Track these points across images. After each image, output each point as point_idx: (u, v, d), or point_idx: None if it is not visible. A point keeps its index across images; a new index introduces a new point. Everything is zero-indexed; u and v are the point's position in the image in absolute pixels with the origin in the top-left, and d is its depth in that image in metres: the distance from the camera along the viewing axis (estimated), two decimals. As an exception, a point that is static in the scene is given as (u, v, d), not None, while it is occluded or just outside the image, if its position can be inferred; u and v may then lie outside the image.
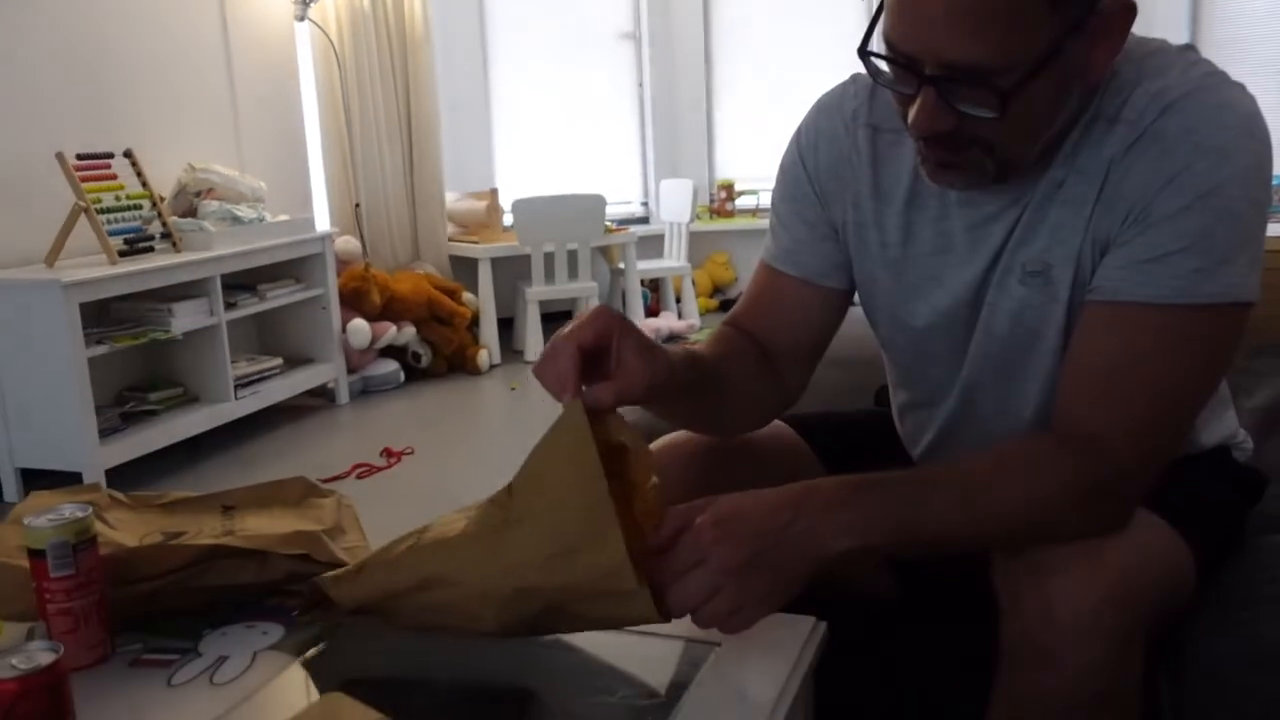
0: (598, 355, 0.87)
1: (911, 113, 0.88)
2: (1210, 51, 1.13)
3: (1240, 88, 0.91)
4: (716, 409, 1.09)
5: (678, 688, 0.82)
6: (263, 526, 1.05)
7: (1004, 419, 1.07)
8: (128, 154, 3.40)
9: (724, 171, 6.34)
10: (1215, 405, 1.15)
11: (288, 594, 1.02)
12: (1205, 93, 0.89)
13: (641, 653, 0.89)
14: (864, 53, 0.90)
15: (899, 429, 1.25)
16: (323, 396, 4.28)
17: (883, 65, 0.90)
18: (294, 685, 0.86)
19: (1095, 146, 0.93)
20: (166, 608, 0.98)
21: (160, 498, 1.12)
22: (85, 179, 3.21)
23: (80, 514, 0.88)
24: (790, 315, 1.15)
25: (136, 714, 0.82)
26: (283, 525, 1.05)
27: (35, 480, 3.04)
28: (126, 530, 1.04)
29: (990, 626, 0.94)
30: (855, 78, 1.12)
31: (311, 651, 0.91)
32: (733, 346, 1.12)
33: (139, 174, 3.42)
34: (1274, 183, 0.95)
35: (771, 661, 0.85)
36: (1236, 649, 0.91)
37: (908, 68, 0.87)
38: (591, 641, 0.88)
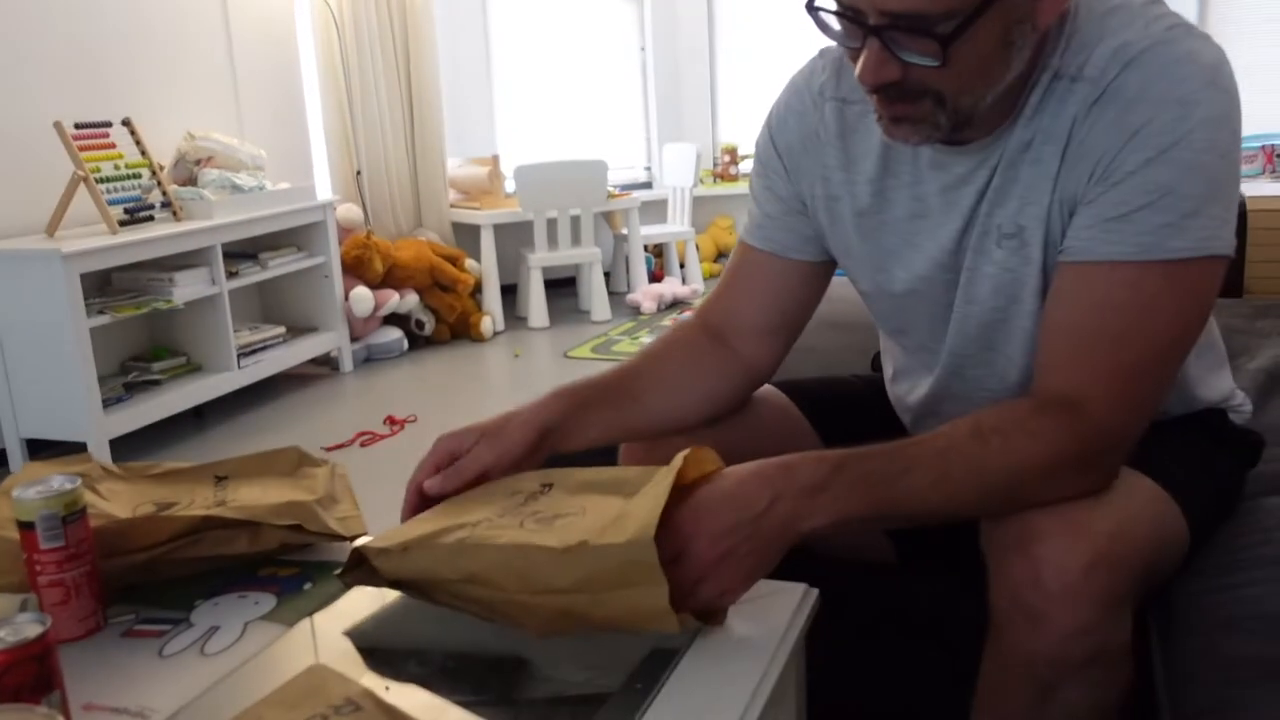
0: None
1: (858, 65, 0.88)
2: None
3: (1205, 38, 0.90)
4: (657, 412, 1.13)
5: (671, 654, 0.82)
6: (255, 497, 1.05)
7: (991, 384, 1.07)
8: (126, 122, 3.38)
9: (727, 135, 6.30)
10: (1212, 364, 1.14)
11: (281, 564, 1.02)
12: (1166, 45, 0.88)
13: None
14: (811, 7, 0.90)
15: (890, 396, 1.25)
16: (326, 365, 4.28)
17: (832, 21, 0.90)
18: (284, 655, 0.86)
19: (1059, 105, 0.93)
20: (160, 578, 0.99)
21: (152, 468, 1.12)
22: (84, 148, 3.19)
23: (69, 486, 0.88)
24: (760, 289, 1.17)
25: (127, 685, 0.82)
26: (275, 495, 1.05)
27: (40, 450, 3.05)
28: (119, 501, 1.04)
29: (982, 589, 0.94)
30: (823, 52, 1.13)
31: (303, 622, 0.91)
32: (669, 349, 1.17)
33: (138, 143, 3.40)
34: (1242, 134, 0.93)
35: (763, 628, 0.85)
36: (1226, 611, 0.91)
37: (853, 20, 0.86)
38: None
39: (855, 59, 0.90)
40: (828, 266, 1.17)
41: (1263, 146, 3.84)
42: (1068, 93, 0.92)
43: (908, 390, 1.20)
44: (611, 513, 0.85)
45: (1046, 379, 0.93)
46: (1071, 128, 0.92)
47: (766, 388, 1.24)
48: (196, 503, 1.04)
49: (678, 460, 0.85)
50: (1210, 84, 0.87)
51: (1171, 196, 0.87)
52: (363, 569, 0.90)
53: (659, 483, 0.82)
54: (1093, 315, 0.91)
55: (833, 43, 0.96)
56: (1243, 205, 2.08)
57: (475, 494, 0.98)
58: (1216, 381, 1.15)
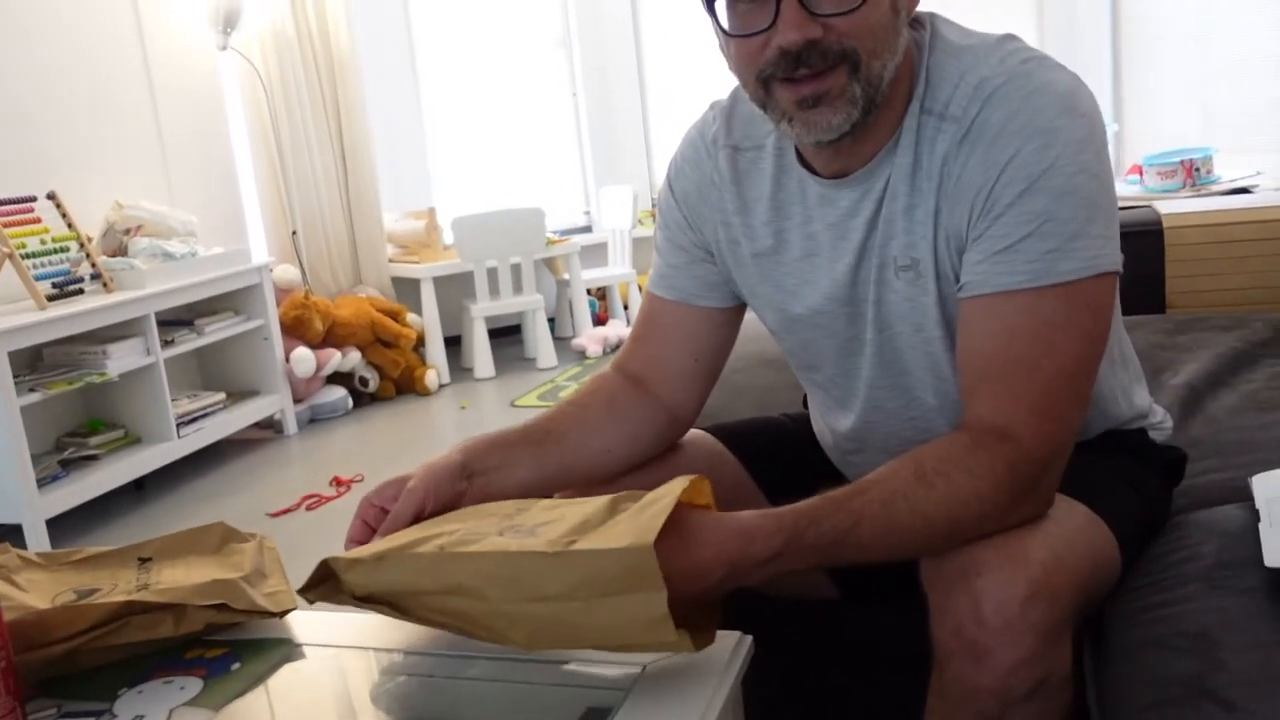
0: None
1: (776, 35, 0.90)
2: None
3: (1059, 67, 0.95)
4: (581, 452, 1.13)
5: (606, 711, 0.81)
6: (180, 577, 1.03)
7: (910, 414, 1.09)
8: (51, 196, 3.34)
9: (663, 176, 6.33)
10: (1127, 381, 1.17)
11: (208, 644, 1.00)
12: (1022, 79, 0.93)
13: (570, 671, 0.88)
14: (709, 2, 0.93)
15: (815, 432, 1.26)
16: (270, 428, 4.22)
17: (723, 20, 0.94)
18: (209, 742, 0.84)
19: (929, 143, 0.97)
20: (83, 668, 0.96)
21: (74, 554, 1.09)
22: (8, 224, 3.15)
23: (-21, 581, 0.85)
24: (673, 338, 1.19)
25: (46, 784, 0.79)
26: (201, 574, 1.03)
27: (-26, 535, 2.97)
28: (38, 591, 1.01)
29: (923, 624, 0.94)
30: (714, 104, 1.16)
31: (230, 704, 0.89)
32: (588, 396, 1.17)
33: (64, 215, 3.36)
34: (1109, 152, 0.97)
35: (698, 679, 0.84)
36: (1155, 630, 0.92)
37: None
38: (515, 670, 0.87)
39: (759, 50, 0.93)
40: (737, 310, 1.19)
41: (1182, 161, 3.93)
42: (937, 131, 0.96)
43: (829, 427, 1.21)
44: (596, 516, 0.83)
45: (973, 412, 0.94)
46: (943, 166, 0.96)
47: (697, 432, 1.24)
48: (119, 588, 1.01)
49: (679, 481, 0.84)
50: (1068, 110, 0.91)
51: (1052, 222, 0.90)
52: (327, 585, 0.87)
53: (659, 499, 0.81)
54: (1001, 344, 0.93)
55: (721, 97, 1.01)
56: (1159, 222, 2.14)
57: (448, 515, 0.96)
58: (1134, 398, 1.17)
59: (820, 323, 1.10)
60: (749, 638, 0.91)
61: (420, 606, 0.84)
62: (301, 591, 0.89)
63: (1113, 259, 0.93)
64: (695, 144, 1.16)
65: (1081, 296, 0.92)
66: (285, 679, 0.93)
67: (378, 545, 0.86)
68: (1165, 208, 2.24)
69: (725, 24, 0.95)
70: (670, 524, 0.78)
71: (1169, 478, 1.19)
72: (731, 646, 0.89)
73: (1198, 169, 3.89)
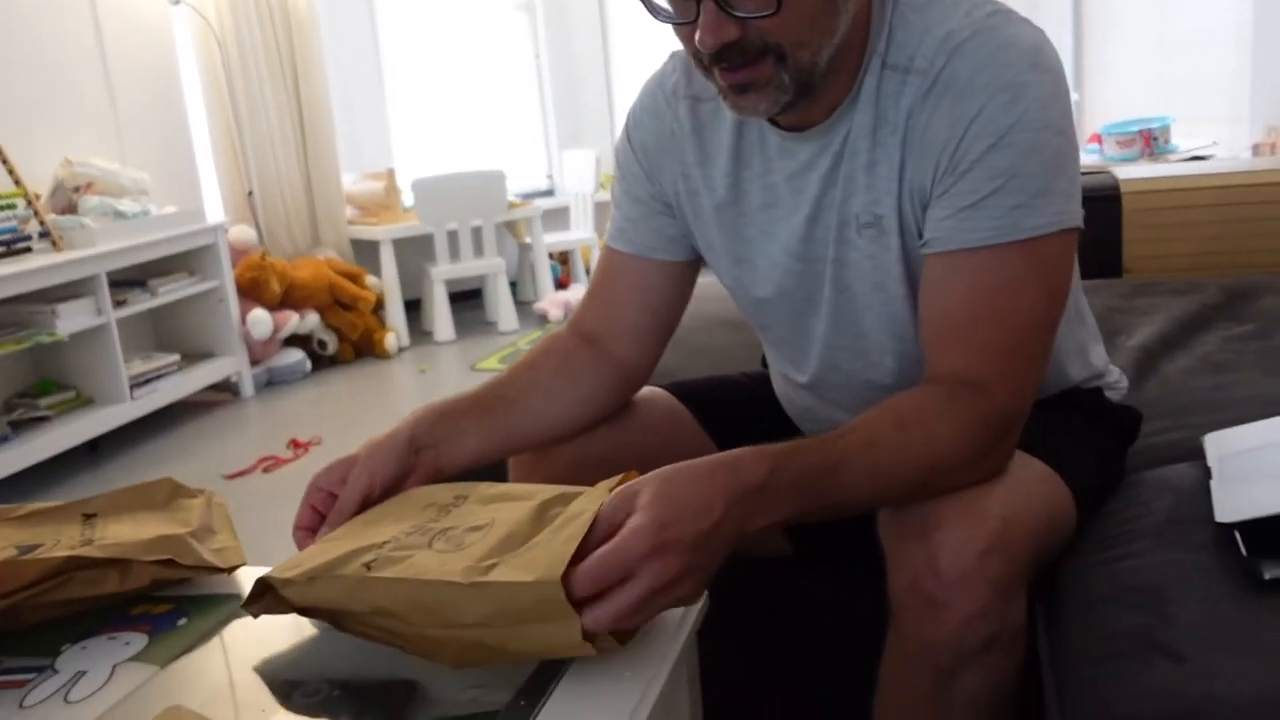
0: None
1: (696, 35, 0.89)
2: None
3: (1025, 22, 0.94)
4: (534, 417, 1.11)
5: (559, 665, 0.80)
6: (125, 533, 1.00)
7: (868, 374, 1.09)
8: (-4, 151, 3.25)
9: (627, 140, 6.30)
10: (1084, 339, 1.17)
11: (154, 600, 0.98)
12: (988, 33, 0.92)
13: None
14: None
15: (776, 391, 1.26)
16: (227, 391, 4.17)
17: (661, 1, 0.93)
18: (153, 697, 0.82)
19: (893, 97, 0.96)
20: (25, 624, 0.94)
21: (16, 510, 1.06)
22: (-49, 179, 3.06)
23: (-86, 534, 0.83)
24: (629, 292, 1.17)
25: (-16, 740, 0.78)
26: (147, 530, 1.01)
27: (-80, 497, 2.91)
28: (-23, 547, 0.98)
29: (880, 583, 0.94)
30: (674, 54, 1.14)
31: (175, 660, 0.87)
32: (540, 358, 1.16)
33: (10, 171, 3.28)
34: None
35: (652, 633, 0.84)
36: (1107, 586, 0.93)
37: None
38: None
39: (689, 36, 0.91)
40: (693, 265, 1.18)
41: (1140, 131, 3.96)
42: (901, 84, 0.95)
43: (785, 384, 1.21)
44: (521, 529, 0.83)
45: (944, 366, 0.94)
46: (908, 119, 0.95)
47: (652, 389, 1.23)
48: (62, 543, 0.99)
49: (600, 490, 0.83)
50: (1034, 66, 0.91)
51: (1018, 178, 0.90)
52: (268, 598, 0.87)
53: (577, 516, 0.80)
54: (967, 301, 0.93)
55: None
56: (1117, 188, 2.15)
57: (387, 507, 0.95)
58: (1090, 357, 1.18)
59: (775, 278, 1.09)
60: (704, 592, 0.90)
61: (355, 623, 0.84)
62: (245, 607, 0.88)
63: (1075, 216, 0.93)
64: (654, 94, 1.15)
65: (1045, 252, 0.92)
66: (233, 635, 0.92)
67: (311, 560, 0.86)
68: (1123, 173, 2.25)
69: (657, 2, 0.94)
70: (653, 476, 0.80)
71: (1124, 437, 1.20)
72: (687, 601, 0.88)
73: (1155, 138, 3.92)
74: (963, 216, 0.92)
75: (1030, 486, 0.95)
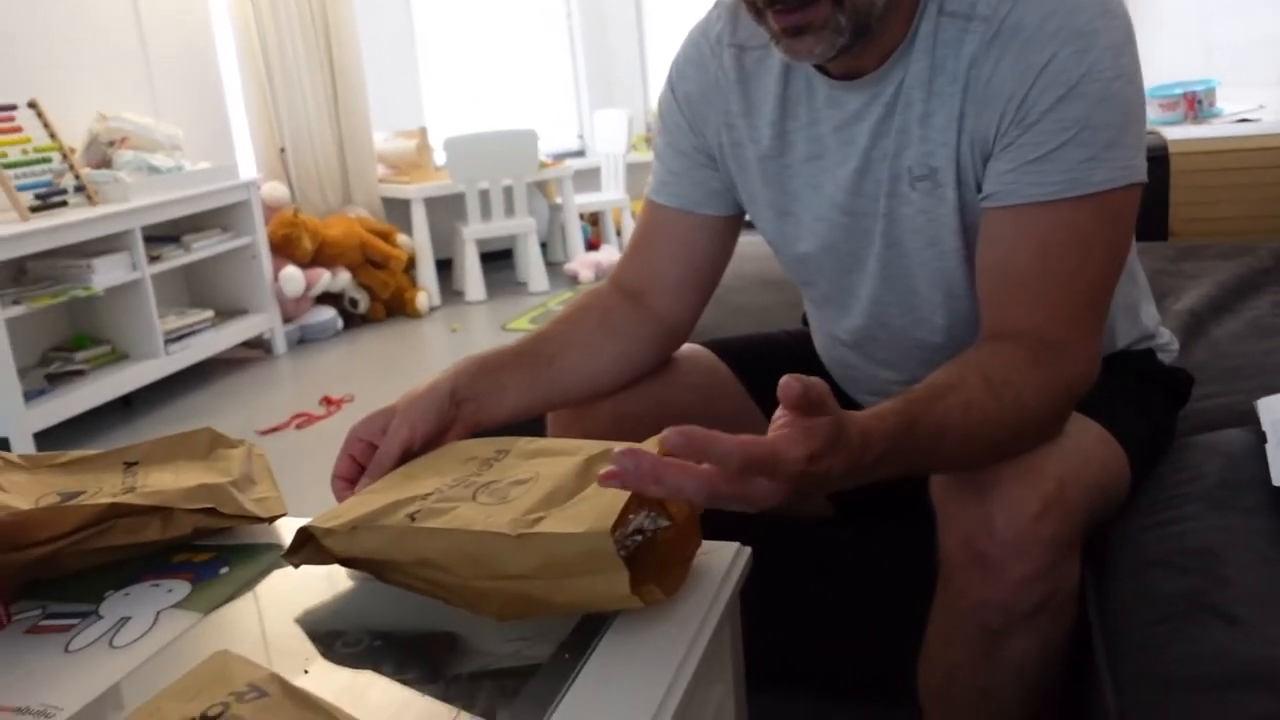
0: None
1: None
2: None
3: None
4: (574, 374, 1.09)
5: (602, 621, 0.79)
6: (166, 481, 1.01)
7: (916, 334, 1.07)
8: (32, 104, 3.26)
9: (658, 101, 6.24)
10: (1137, 298, 1.15)
11: (196, 549, 0.98)
12: None
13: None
14: None
15: (818, 349, 1.24)
16: (259, 348, 4.20)
17: None
18: (197, 644, 0.82)
19: (952, 45, 0.92)
20: (68, 571, 0.94)
21: (58, 457, 1.07)
22: (-12, 133, 3.08)
23: (-41, 479, 0.83)
24: (671, 247, 1.15)
25: (31, 683, 0.78)
26: (187, 479, 1.01)
27: (-40, 448, 2.95)
28: (20, 493, 0.99)
29: (923, 543, 0.93)
30: (718, 2, 1.11)
31: (218, 608, 0.88)
32: (580, 313, 1.13)
33: (46, 125, 3.29)
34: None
35: (696, 590, 0.83)
36: (1159, 549, 0.91)
37: None
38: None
39: None
40: (736, 220, 1.16)
41: (1184, 93, 3.88)
42: (961, 31, 0.91)
43: (827, 342, 1.19)
44: (567, 483, 0.82)
45: (1016, 322, 0.91)
46: (970, 68, 0.91)
47: (692, 346, 1.22)
48: (104, 490, 0.99)
49: (647, 446, 0.82)
50: (1105, 12, 0.87)
51: (1089, 130, 0.86)
52: (310, 548, 0.86)
53: None
54: (1036, 257, 0.90)
55: None
56: (1165, 149, 2.10)
57: (428, 460, 0.95)
58: (1142, 316, 1.15)
59: (821, 232, 1.07)
60: (748, 549, 0.89)
61: (397, 574, 0.84)
62: (286, 556, 0.88)
63: (1142, 170, 0.90)
64: (699, 43, 1.12)
65: (1112, 207, 0.89)
66: (274, 585, 0.92)
67: (353, 511, 0.85)
68: (1172, 134, 2.20)
69: None
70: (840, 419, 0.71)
71: (1175, 400, 1.18)
72: (730, 557, 0.88)
73: (1200, 101, 3.84)
74: (1028, 169, 0.89)
75: (1087, 448, 0.93)
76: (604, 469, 0.83)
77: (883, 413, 0.78)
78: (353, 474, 0.97)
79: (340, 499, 0.95)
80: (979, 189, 0.94)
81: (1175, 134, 2.23)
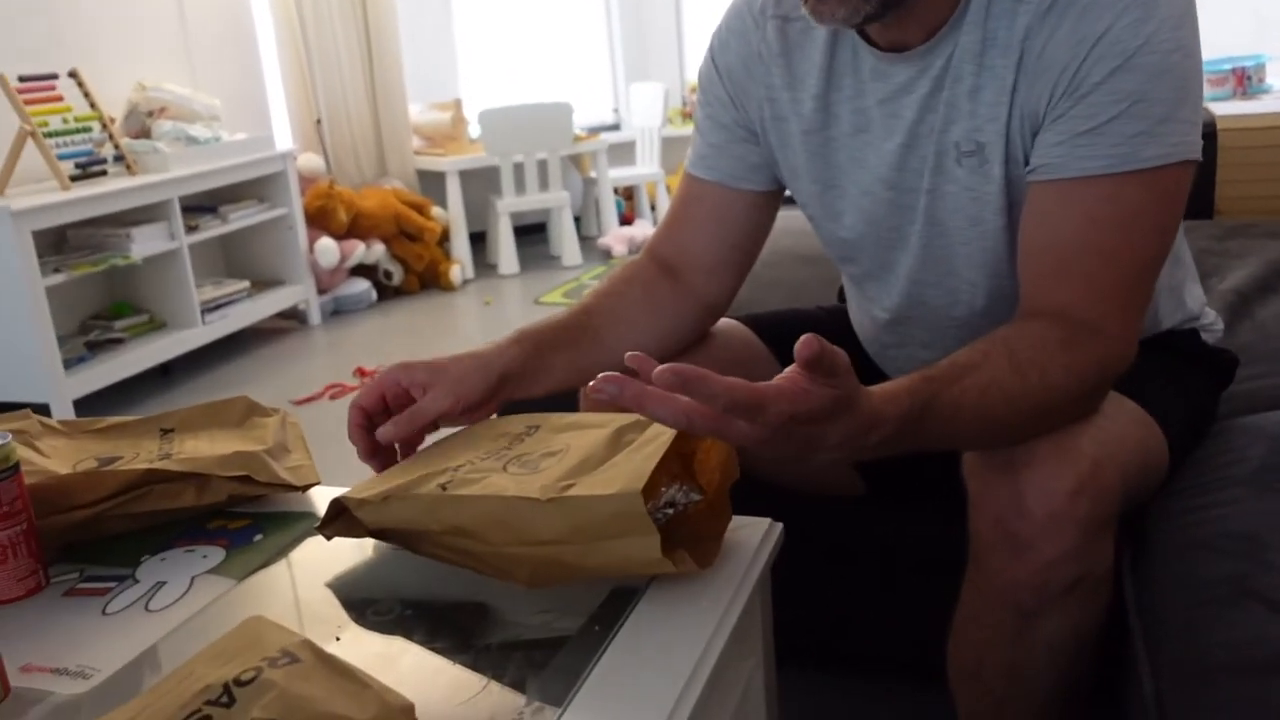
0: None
1: None
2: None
3: None
4: (617, 351, 1.02)
5: (632, 593, 0.79)
6: (202, 449, 1.01)
7: (955, 311, 1.05)
8: (73, 74, 3.28)
9: (695, 74, 6.19)
10: (1182, 279, 1.12)
11: (230, 516, 0.99)
12: None
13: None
14: None
15: (855, 327, 1.22)
16: (294, 318, 4.22)
17: None
18: (231, 609, 0.83)
19: (1006, 17, 0.90)
20: (104, 535, 0.95)
21: (96, 423, 1.08)
22: (29, 101, 3.10)
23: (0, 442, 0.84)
24: (709, 222, 1.14)
25: (68, 644, 0.79)
26: (223, 446, 1.02)
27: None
28: (59, 457, 1.00)
29: (955, 522, 0.92)
30: None
31: (252, 575, 0.88)
32: (623, 286, 1.12)
33: (86, 95, 3.31)
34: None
35: (727, 564, 0.83)
36: (1197, 531, 0.89)
37: None
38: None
39: None
40: (775, 195, 1.14)
41: (1233, 69, 3.80)
42: (1016, 4, 0.89)
43: (865, 320, 1.18)
44: (597, 453, 0.82)
45: (1052, 299, 0.89)
46: (1024, 39, 0.89)
47: (727, 320, 1.21)
48: (141, 456, 1.00)
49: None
50: None
51: (1143, 103, 0.83)
52: (342, 520, 0.87)
53: (656, 438, 0.79)
54: (1080, 233, 0.88)
55: None
56: (1213, 125, 2.06)
57: (459, 437, 0.95)
58: (1186, 297, 1.13)
59: (865, 207, 1.05)
60: (779, 525, 0.89)
61: (428, 544, 0.84)
62: (319, 529, 0.88)
63: (1196, 147, 0.87)
64: (741, 15, 1.10)
65: (1162, 185, 0.86)
66: (307, 553, 0.92)
67: (385, 483, 0.85)
68: (1220, 110, 2.15)
69: None
70: (852, 388, 0.71)
71: (1219, 381, 1.15)
72: (762, 533, 0.87)
73: (1249, 77, 3.75)
74: (1078, 142, 0.86)
75: (1124, 428, 0.91)
76: (632, 437, 0.83)
77: (898, 393, 0.76)
78: (375, 409, 0.96)
79: (354, 428, 0.95)
80: (1027, 164, 0.92)
81: (1223, 110, 2.18)
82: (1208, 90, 3.76)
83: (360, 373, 3.43)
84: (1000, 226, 0.97)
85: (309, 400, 3.22)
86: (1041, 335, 0.86)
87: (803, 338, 0.67)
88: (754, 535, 0.87)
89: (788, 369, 0.70)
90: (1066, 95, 0.87)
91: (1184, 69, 0.84)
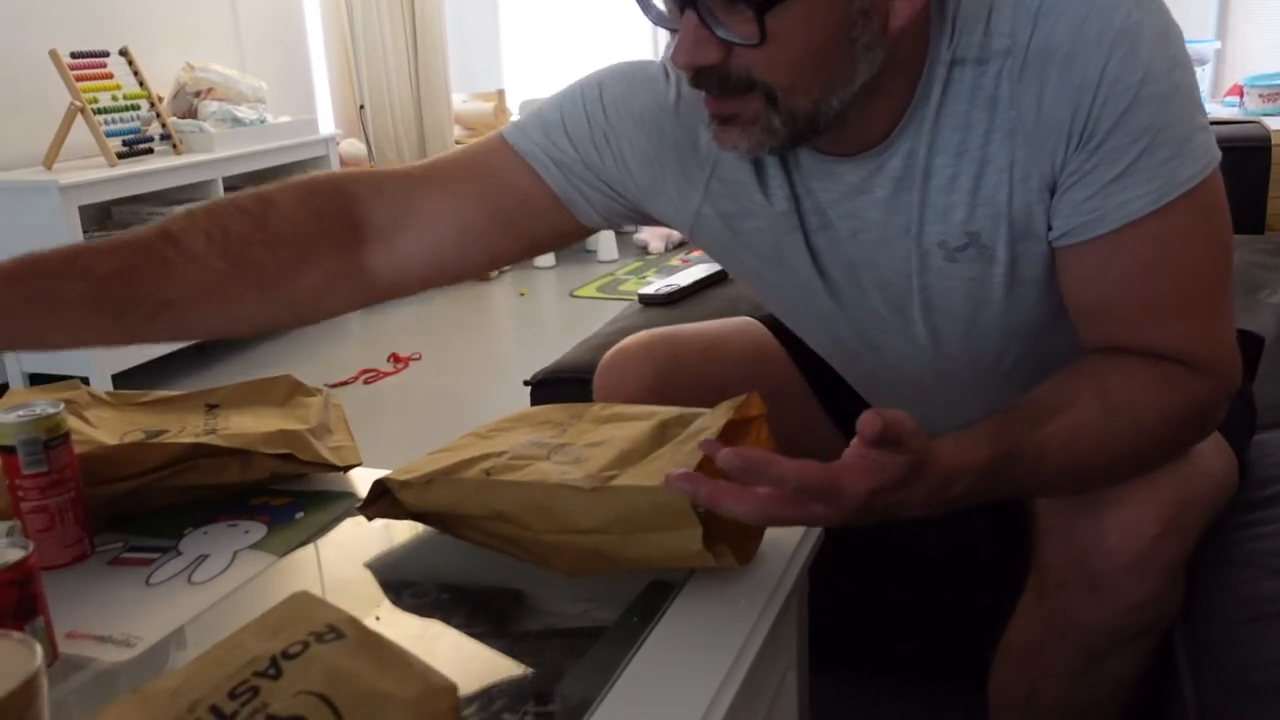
0: None
1: (677, 49, 0.76)
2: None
3: None
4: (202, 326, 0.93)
5: (670, 587, 0.79)
6: (246, 425, 1.02)
7: (979, 375, 0.98)
8: (123, 52, 3.32)
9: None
10: None
11: (273, 493, 1.00)
12: None
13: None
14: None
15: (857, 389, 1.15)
16: (331, 302, 4.25)
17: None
18: (272, 584, 0.84)
19: (973, 95, 0.81)
20: (149, 506, 0.97)
21: (142, 396, 1.09)
22: (80, 78, 3.14)
23: (51, 410, 0.85)
24: (487, 211, 0.97)
25: (113, 612, 0.80)
26: (267, 424, 1.03)
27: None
28: (107, 428, 1.01)
29: (997, 534, 0.91)
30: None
31: (293, 551, 0.89)
32: (296, 210, 0.93)
33: (136, 73, 3.34)
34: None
35: (765, 562, 0.83)
36: (1246, 548, 0.88)
37: None
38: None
39: (677, 40, 0.78)
40: (579, 235, 1.03)
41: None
42: (978, 77, 0.80)
43: (881, 386, 1.09)
44: (641, 445, 0.82)
45: (1137, 341, 0.82)
46: (1008, 109, 0.80)
47: (745, 319, 1.19)
48: (186, 430, 1.01)
49: (723, 409, 0.82)
50: (1136, 3, 0.77)
51: (1163, 131, 0.77)
52: (384, 501, 0.88)
53: (702, 432, 0.79)
54: (1141, 285, 0.81)
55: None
56: (1268, 139, 2.03)
57: (501, 423, 0.96)
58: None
59: (849, 302, 0.96)
60: (818, 528, 0.89)
61: (469, 528, 0.84)
62: (361, 510, 0.89)
63: (1216, 147, 0.82)
64: (654, 79, 0.98)
65: (1203, 197, 0.81)
66: (347, 532, 0.93)
67: (429, 465, 0.86)
68: (1274, 124, 2.12)
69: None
70: (923, 447, 0.69)
71: (1250, 369, 1.10)
72: (801, 533, 0.87)
73: (1297, 94, 3.70)
74: (1111, 190, 0.79)
75: (1205, 462, 0.87)
76: (677, 430, 0.83)
77: (975, 444, 0.73)
78: None
79: None
80: (1048, 229, 0.84)
81: (1277, 124, 2.15)
82: (1261, 105, 3.71)
83: (394, 358, 3.45)
84: (1003, 299, 0.89)
85: (343, 384, 3.24)
86: (1134, 374, 0.81)
87: (864, 416, 0.65)
88: (793, 535, 0.86)
89: (854, 445, 0.68)
90: (1080, 148, 0.79)
91: (1186, 82, 0.79)
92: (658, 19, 0.80)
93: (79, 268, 0.85)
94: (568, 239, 1.03)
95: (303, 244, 0.93)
